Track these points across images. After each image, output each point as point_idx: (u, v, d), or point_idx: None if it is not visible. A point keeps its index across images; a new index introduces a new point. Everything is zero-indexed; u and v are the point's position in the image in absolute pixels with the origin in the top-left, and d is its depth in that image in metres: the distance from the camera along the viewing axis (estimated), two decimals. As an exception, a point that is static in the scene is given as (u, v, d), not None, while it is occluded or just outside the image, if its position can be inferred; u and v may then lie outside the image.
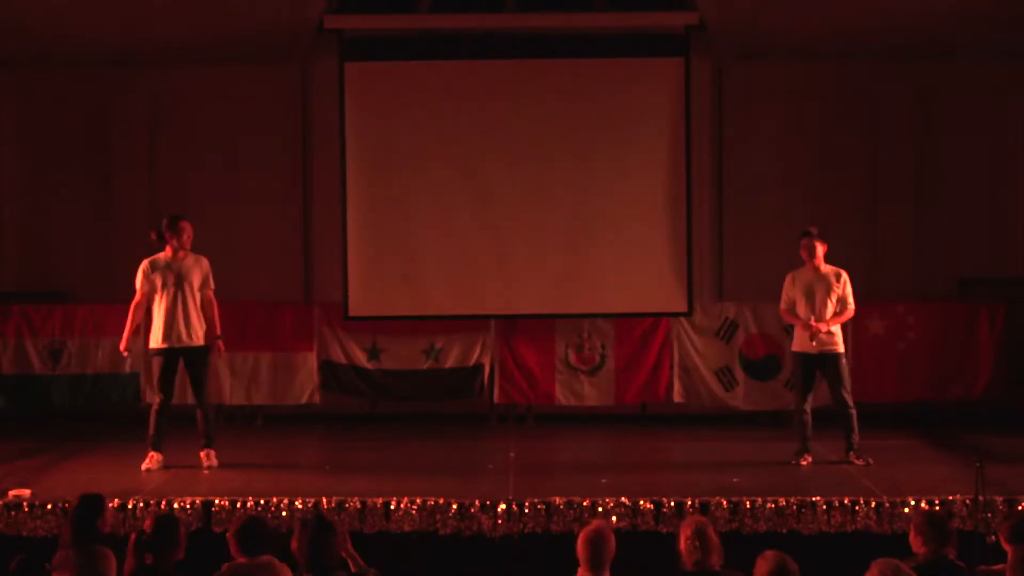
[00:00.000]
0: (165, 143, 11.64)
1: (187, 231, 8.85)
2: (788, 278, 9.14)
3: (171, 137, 11.62)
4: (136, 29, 10.90)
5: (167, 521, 5.72)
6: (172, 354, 8.87)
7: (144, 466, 8.78)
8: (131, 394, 10.74)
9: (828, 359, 8.93)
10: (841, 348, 8.98)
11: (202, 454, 8.93)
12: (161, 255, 8.90)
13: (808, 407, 8.98)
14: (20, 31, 10.88)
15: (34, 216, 11.72)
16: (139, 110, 11.61)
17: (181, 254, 8.87)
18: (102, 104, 11.60)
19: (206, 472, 8.77)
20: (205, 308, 8.94)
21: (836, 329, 8.97)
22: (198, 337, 8.89)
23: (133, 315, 8.90)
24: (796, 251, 9.86)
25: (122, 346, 8.95)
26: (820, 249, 8.96)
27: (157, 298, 8.84)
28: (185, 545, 5.64)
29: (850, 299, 9.01)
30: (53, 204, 11.68)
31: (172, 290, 8.81)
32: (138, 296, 8.89)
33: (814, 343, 8.86)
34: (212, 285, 8.97)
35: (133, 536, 5.55)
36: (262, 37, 11.03)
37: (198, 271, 8.90)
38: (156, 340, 8.87)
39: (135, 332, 9.05)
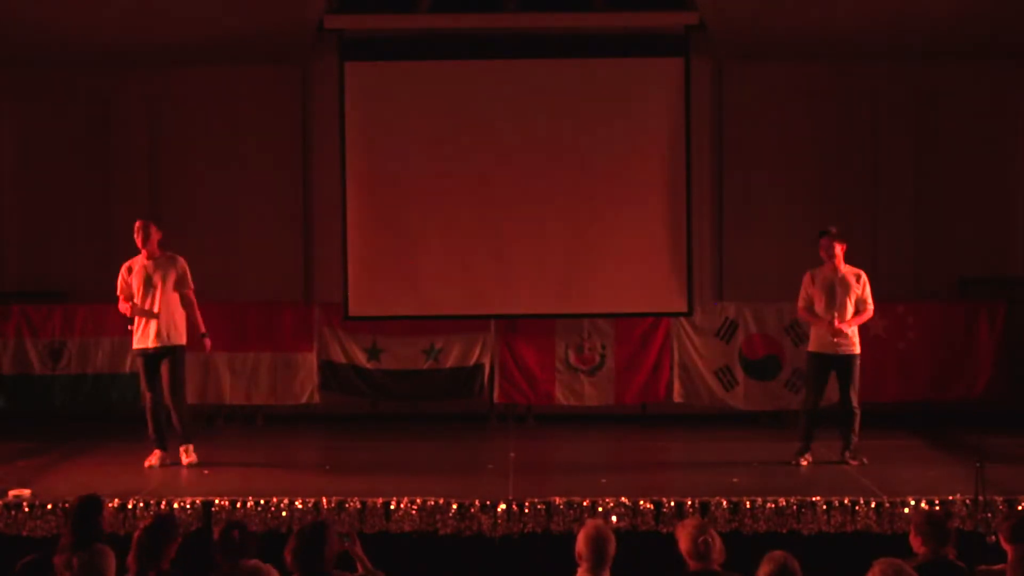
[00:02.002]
0: (165, 143, 11.64)
1: (152, 234, 8.93)
2: (807, 276, 9.10)
3: (171, 137, 11.63)
4: (136, 29, 10.89)
5: (161, 521, 5.71)
6: (150, 354, 8.95)
7: (147, 463, 8.87)
8: (131, 394, 10.71)
9: (844, 360, 8.91)
10: (857, 349, 8.95)
11: (181, 451, 8.98)
12: (137, 258, 9.02)
13: (816, 407, 8.97)
14: (20, 30, 10.87)
15: (34, 216, 11.71)
16: (139, 110, 11.62)
17: (156, 255, 8.96)
18: (102, 104, 11.61)
19: (206, 472, 8.77)
20: (185, 308, 9.00)
21: (854, 330, 8.95)
22: (172, 337, 8.94)
23: (126, 309, 8.96)
24: (796, 251, 9.91)
25: (135, 344, 9.00)
26: (839, 249, 8.92)
27: (135, 302, 8.92)
28: (178, 544, 5.64)
29: (869, 300, 8.96)
30: (53, 204, 11.68)
31: (144, 292, 8.91)
32: (120, 299, 9.00)
33: (836, 341, 8.84)
34: (191, 284, 9.03)
35: (136, 535, 5.56)
36: (262, 37, 11.02)
37: (172, 272, 8.97)
38: (135, 341, 9.00)
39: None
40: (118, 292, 8.99)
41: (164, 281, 8.92)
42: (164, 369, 8.98)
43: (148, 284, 8.91)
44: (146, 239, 8.92)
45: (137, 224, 8.99)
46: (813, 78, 11.50)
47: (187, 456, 8.96)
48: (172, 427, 9.02)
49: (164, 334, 8.91)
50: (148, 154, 11.62)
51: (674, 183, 10.92)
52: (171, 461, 8.93)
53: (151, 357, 8.95)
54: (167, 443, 8.98)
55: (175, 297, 8.96)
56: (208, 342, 9.11)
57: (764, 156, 11.50)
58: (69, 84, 11.60)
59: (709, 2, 10.88)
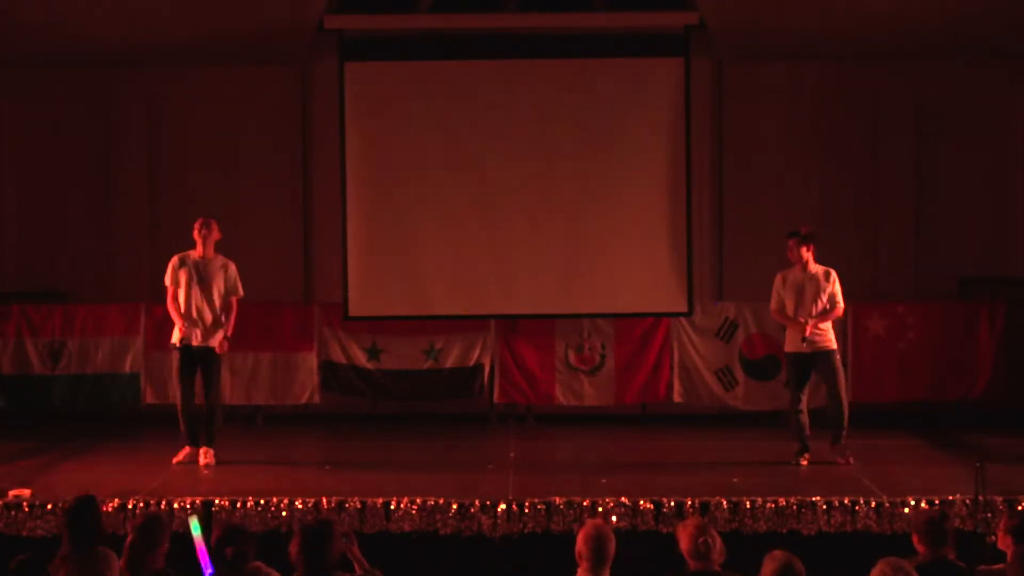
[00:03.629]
0: (165, 143, 11.64)
1: (211, 234, 9.02)
2: (778, 278, 9.12)
3: (171, 137, 11.62)
4: (136, 29, 10.89)
5: (151, 521, 5.70)
6: (189, 351, 8.97)
7: (176, 459, 8.94)
8: (131, 394, 10.75)
9: (820, 357, 8.92)
10: (833, 345, 8.97)
11: (201, 451, 8.98)
12: (191, 252, 9.06)
13: (804, 407, 8.97)
14: (20, 31, 10.87)
15: (34, 216, 11.71)
16: (139, 110, 11.61)
17: (209, 255, 9.01)
18: (102, 104, 11.60)
19: (205, 471, 8.79)
20: (225, 311, 9.03)
21: (827, 327, 8.94)
22: (215, 338, 8.98)
23: (173, 310, 9.02)
24: (796, 251, 9.82)
25: (176, 338, 9.01)
26: (804, 252, 8.94)
27: (181, 294, 8.96)
28: (167, 542, 5.62)
29: (839, 297, 8.97)
30: (53, 204, 11.68)
31: (194, 288, 8.95)
32: (169, 291, 9.04)
33: (804, 344, 8.85)
34: (240, 292, 9.09)
35: (129, 537, 5.55)
36: (262, 37, 11.02)
37: (222, 275, 9.03)
38: (175, 336, 9.01)
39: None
40: (167, 283, 9.01)
41: (213, 282, 8.97)
42: (202, 369, 9.02)
43: (198, 282, 8.93)
44: (206, 237, 8.98)
45: (199, 221, 9.05)
46: (813, 78, 11.49)
47: (205, 457, 8.98)
48: (204, 427, 9.07)
49: (207, 334, 8.94)
50: (148, 154, 11.62)
51: (674, 183, 10.92)
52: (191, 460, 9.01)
53: (192, 354, 8.97)
54: (199, 440, 9.01)
55: (220, 300, 9.01)
56: (227, 345, 9.10)
57: (764, 156, 11.50)
58: (69, 84, 11.59)
59: (709, 2, 10.88)
